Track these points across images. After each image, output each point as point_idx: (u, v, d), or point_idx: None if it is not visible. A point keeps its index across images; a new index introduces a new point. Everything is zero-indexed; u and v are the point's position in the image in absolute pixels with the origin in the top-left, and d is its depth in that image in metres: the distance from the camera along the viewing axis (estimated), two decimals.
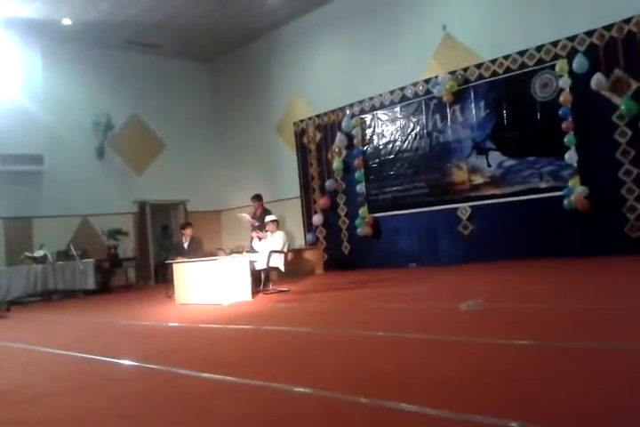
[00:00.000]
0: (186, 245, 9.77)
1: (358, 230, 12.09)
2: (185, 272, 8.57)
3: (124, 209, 14.34)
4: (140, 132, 14.93)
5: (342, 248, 12.70)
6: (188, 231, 9.97)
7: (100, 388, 3.41)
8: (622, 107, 8.55)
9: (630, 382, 2.50)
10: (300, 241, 13.43)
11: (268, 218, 9.23)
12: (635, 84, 8.54)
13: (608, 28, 8.80)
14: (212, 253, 9.19)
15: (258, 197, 11.05)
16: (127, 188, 14.41)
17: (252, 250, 9.18)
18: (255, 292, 8.43)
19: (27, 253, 12.00)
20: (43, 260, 11.86)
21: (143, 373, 3.76)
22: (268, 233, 9.02)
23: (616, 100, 8.70)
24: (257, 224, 9.78)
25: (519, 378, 2.72)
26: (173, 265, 8.89)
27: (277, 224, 9.17)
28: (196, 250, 9.56)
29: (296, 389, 2.85)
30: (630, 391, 2.38)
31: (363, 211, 12.12)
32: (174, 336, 5.49)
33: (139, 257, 14.35)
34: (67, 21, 12.46)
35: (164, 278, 11.92)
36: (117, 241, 13.53)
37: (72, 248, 12.18)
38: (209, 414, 2.61)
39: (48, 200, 13.05)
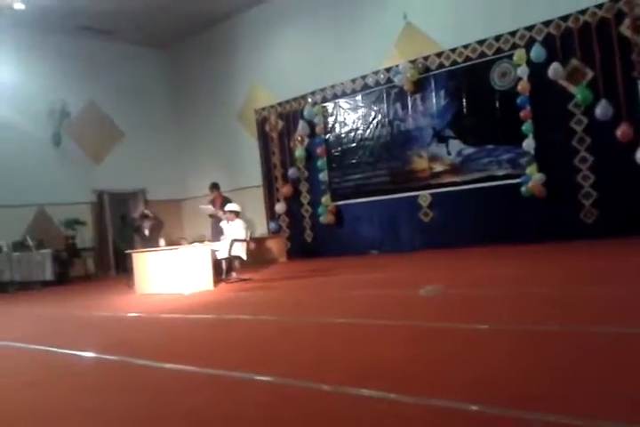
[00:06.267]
0: (147, 233, 9.66)
1: (321, 218, 12.11)
2: (146, 262, 8.47)
3: (81, 199, 14.04)
4: (98, 119, 14.61)
5: (305, 236, 12.71)
6: (146, 224, 9.86)
7: (60, 380, 3.35)
8: (578, 96, 8.74)
9: (589, 363, 2.58)
10: (262, 230, 13.38)
11: (227, 207, 9.11)
12: (590, 74, 8.72)
13: (564, 18, 8.95)
14: (174, 243, 9.08)
15: (215, 186, 10.65)
16: (85, 177, 14.09)
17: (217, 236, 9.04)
18: (217, 281, 8.39)
19: None
20: None
21: (103, 364, 3.72)
22: (227, 222, 8.93)
23: (572, 89, 8.87)
24: (220, 213, 9.50)
25: (478, 361, 2.77)
26: (133, 255, 8.78)
27: (237, 214, 9.01)
28: (157, 235, 9.46)
29: (257, 377, 2.85)
30: (591, 371, 2.44)
31: (325, 199, 12.13)
32: (134, 327, 5.43)
33: (97, 247, 14.12)
34: (19, 6, 12.03)
35: (124, 268, 11.74)
36: (75, 231, 13.29)
37: (28, 238, 11.92)
38: (170, 405, 2.59)
39: (2, 189, 12.68)
